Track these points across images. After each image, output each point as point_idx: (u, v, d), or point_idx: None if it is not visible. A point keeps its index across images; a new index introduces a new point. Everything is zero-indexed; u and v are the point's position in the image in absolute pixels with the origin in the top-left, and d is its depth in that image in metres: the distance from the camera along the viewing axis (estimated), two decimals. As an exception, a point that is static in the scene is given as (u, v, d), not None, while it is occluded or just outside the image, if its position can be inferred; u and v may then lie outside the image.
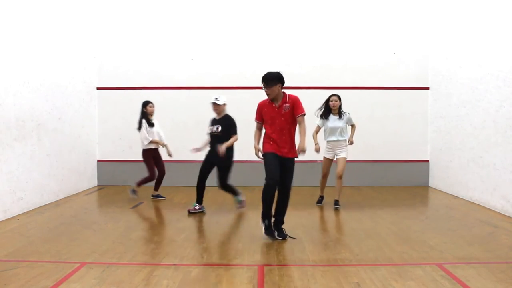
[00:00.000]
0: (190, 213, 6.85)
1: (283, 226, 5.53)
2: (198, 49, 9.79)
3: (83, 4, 9.14)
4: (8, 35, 6.62)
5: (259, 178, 9.69)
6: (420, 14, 9.76)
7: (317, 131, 7.36)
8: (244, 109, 9.68)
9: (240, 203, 7.11)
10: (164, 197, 8.21)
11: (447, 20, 8.98)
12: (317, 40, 9.79)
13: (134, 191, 8.14)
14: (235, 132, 6.84)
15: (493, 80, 7.22)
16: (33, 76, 7.24)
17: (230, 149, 6.76)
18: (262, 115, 5.49)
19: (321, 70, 9.64)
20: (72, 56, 8.66)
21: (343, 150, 7.23)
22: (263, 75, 5.38)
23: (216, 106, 6.86)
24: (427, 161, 9.79)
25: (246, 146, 9.69)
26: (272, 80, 5.30)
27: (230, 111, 9.87)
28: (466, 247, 5.14)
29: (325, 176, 7.48)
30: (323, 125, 7.32)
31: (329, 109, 7.28)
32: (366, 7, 9.78)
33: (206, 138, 7.45)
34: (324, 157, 7.42)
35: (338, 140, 7.21)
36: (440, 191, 9.12)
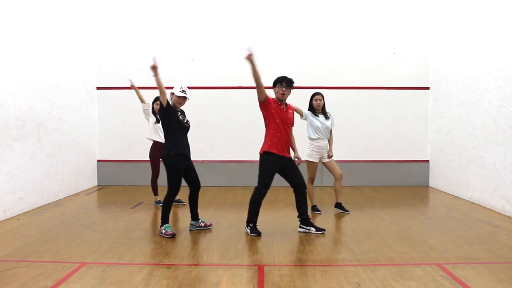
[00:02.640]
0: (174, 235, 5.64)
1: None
2: (198, 49, 9.79)
3: (83, 4, 9.14)
4: (8, 35, 6.62)
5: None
6: (420, 14, 9.76)
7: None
8: (244, 109, 9.73)
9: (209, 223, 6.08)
10: (183, 202, 7.55)
11: (447, 20, 8.98)
12: (317, 40, 9.79)
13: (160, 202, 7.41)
14: None
15: (493, 80, 7.22)
16: (33, 76, 7.24)
17: None
18: (270, 108, 5.62)
19: (321, 70, 9.64)
20: (72, 56, 8.66)
21: (325, 152, 6.86)
22: (281, 76, 5.71)
23: (184, 101, 5.83)
24: (427, 161, 9.78)
25: (246, 146, 9.77)
26: (291, 83, 5.69)
27: (230, 111, 9.93)
28: (466, 247, 5.14)
29: (313, 181, 6.93)
30: (306, 117, 6.83)
31: (313, 108, 6.85)
32: (366, 7, 9.78)
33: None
34: (310, 161, 6.84)
35: (325, 140, 6.83)
36: (440, 191, 9.11)
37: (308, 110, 6.91)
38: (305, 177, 6.64)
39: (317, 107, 6.85)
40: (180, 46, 9.80)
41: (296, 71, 9.43)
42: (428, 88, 9.76)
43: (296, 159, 5.76)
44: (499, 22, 7.12)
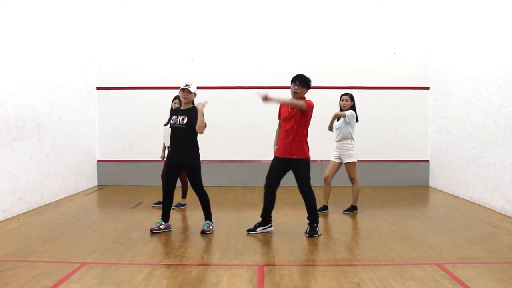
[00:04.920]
0: (153, 232, 5.72)
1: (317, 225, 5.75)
2: (198, 49, 9.79)
3: (83, 4, 9.14)
4: (8, 35, 6.62)
5: (259, 178, 9.72)
6: (420, 14, 9.76)
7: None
8: (244, 109, 9.74)
9: (207, 228, 5.79)
10: (184, 205, 7.48)
11: (447, 20, 8.98)
12: (317, 40, 9.79)
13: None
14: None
15: (493, 80, 7.22)
16: (33, 76, 7.23)
17: (197, 147, 5.74)
18: (280, 114, 5.79)
19: (321, 70, 9.63)
20: (72, 56, 8.66)
21: (345, 154, 6.77)
22: (298, 74, 5.64)
23: (186, 94, 5.58)
24: (427, 161, 9.79)
25: (246, 146, 9.77)
26: (306, 82, 5.59)
27: (230, 111, 9.93)
28: (466, 247, 5.14)
29: (325, 180, 6.93)
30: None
31: (340, 108, 6.89)
32: (366, 7, 9.78)
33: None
34: (330, 161, 6.97)
35: (338, 141, 6.81)
36: (440, 191, 9.11)
37: (339, 111, 6.94)
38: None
39: (343, 108, 6.86)
40: (180, 46, 9.80)
41: (296, 71, 9.43)
42: (428, 88, 9.76)
43: None
44: (499, 22, 7.11)
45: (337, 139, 6.86)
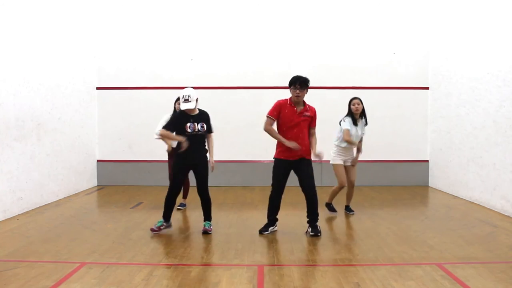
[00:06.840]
0: (153, 232, 5.74)
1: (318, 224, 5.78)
2: (198, 49, 9.79)
3: (83, 4, 9.14)
4: (8, 35, 6.63)
5: (259, 178, 9.74)
6: (420, 14, 9.76)
7: (347, 137, 6.70)
8: (244, 109, 9.74)
9: (209, 228, 5.82)
10: (185, 206, 7.42)
11: (447, 20, 8.98)
12: (317, 40, 9.79)
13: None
14: (212, 130, 5.92)
15: (493, 80, 7.23)
16: (33, 76, 7.24)
17: (205, 149, 5.94)
18: (281, 114, 5.59)
19: (321, 70, 9.63)
20: (72, 56, 8.66)
21: (350, 157, 6.82)
22: (296, 76, 5.57)
23: (190, 111, 5.67)
24: (427, 161, 9.79)
25: (246, 146, 9.77)
26: (306, 84, 5.55)
27: (230, 111, 9.93)
28: (466, 247, 5.14)
29: (342, 186, 6.74)
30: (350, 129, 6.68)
31: (352, 113, 6.71)
32: (366, 7, 9.78)
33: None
34: (340, 165, 6.72)
35: (353, 147, 6.78)
36: (440, 191, 9.12)
37: (347, 115, 6.77)
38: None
39: (356, 112, 6.71)
40: (180, 46, 9.80)
41: (296, 71, 9.42)
42: (427, 88, 9.76)
43: (316, 157, 5.67)
44: (499, 22, 7.12)
45: (351, 146, 6.76)
